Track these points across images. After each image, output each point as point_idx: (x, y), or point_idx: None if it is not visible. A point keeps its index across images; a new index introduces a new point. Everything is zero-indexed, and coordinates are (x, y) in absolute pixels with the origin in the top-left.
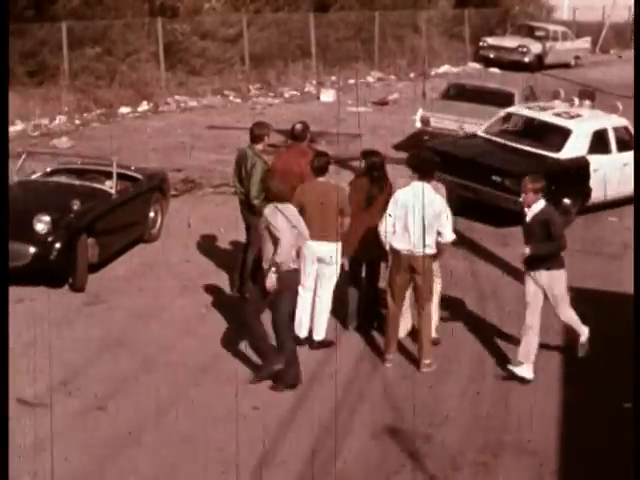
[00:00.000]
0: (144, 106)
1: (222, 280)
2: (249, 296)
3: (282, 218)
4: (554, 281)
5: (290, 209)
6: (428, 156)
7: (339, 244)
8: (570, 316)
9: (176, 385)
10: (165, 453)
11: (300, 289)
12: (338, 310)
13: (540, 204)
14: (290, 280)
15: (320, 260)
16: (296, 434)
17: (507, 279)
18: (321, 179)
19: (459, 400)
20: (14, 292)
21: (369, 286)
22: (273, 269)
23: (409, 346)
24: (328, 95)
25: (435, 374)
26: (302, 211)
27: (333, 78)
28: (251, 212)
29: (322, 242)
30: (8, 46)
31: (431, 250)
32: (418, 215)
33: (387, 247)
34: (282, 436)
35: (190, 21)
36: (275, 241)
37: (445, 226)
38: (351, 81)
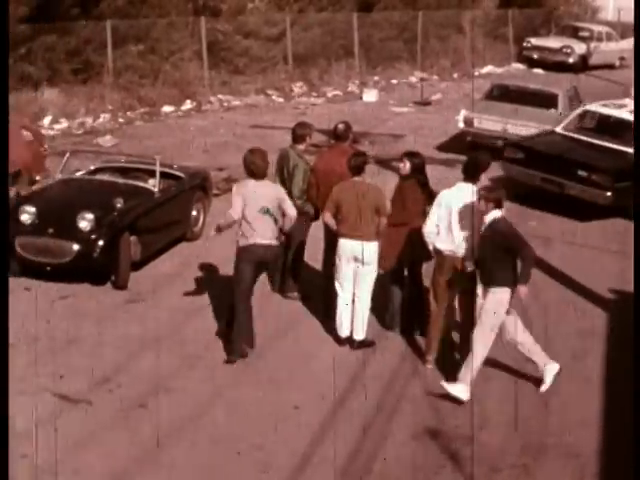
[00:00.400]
0: (187, 105)
1: (262, 279)
2: (290, 294)
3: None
4: (489, 295)
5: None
6: (474, 158)
7: (375, 243)
8: (481, 342)
9: (216, 384)
10: (205, 452)
11: (338, 289)
12: (380, 311)
13: (492, 215)
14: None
15: (356, 259)
16: (336, 434)
17: (549, 281)
18: (357, 178)
19: (500, 402)
20: (57, 289)
21: (412, 287)
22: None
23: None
24: (371, 95)
25: (477, 375)
26: (338, 209)
27: (376, 78)
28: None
29: (357, 241)
30: (8, 46)
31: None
32: (462, 216)
33: (430, 248)
34: (322, 436)
35: (233, 20)
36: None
37: None
38: (394, 81)
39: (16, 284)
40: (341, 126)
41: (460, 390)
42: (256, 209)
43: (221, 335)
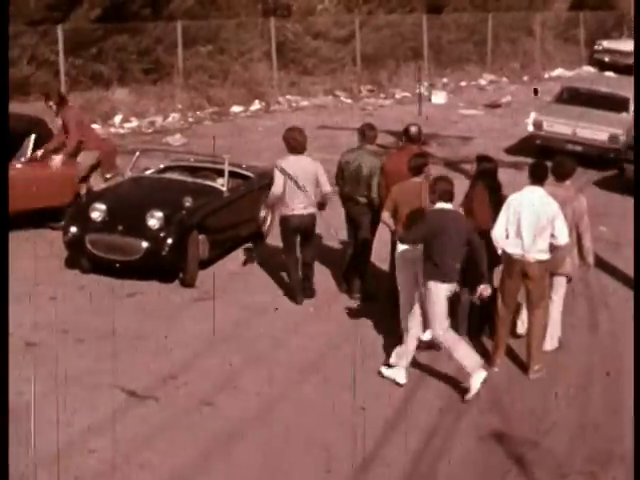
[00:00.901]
0: (256, 105)
1: (330, 279)
2: (357, 295)
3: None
4: (429, 292)
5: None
6: (541, 162)
7: None
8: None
9: (283, 382)
10: (270, 450)
11: (401, 289)
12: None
13: (438, 206)
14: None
15: (415, 260)
16: (402, 434)
17: (617, 285)
18: (416, 179)
19: (567, 407)
20: (126, 286)
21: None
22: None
23: (518, 350)
24: (439, 97)
25: (544, 380)
26: (396, 210)
27: (445, 80)
28: (360, 211)
29: None
30: (8, 46)
31: (544, 255)
32: (531, 220)
33: (499, 252)
34: (388, 436)
35: (303, 21)
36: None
37: (559, 231)
38: (463, 83)
39: (86, 280)
40: (414, 128)
41: (397, 373)
42: (296, 181)
43: (289, 332)
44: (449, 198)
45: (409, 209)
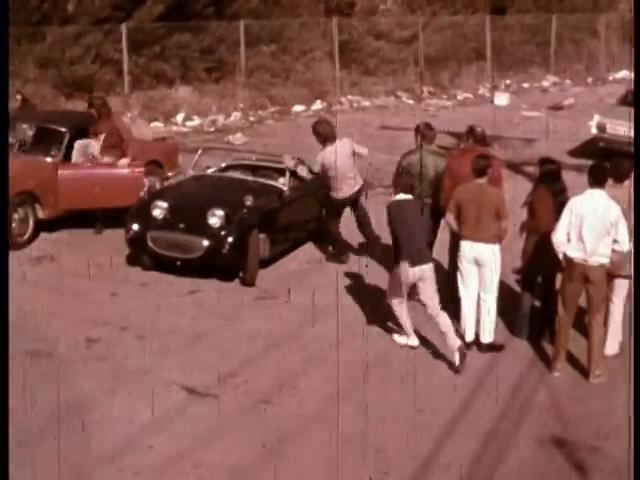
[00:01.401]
0: (317, 105)
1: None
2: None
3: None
4: (399, 271)
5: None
6: (601, 164)
7: (496, 246)
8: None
9: (343, 383)
10: (328, 450)
11: (462, 291)
12: (510, 315)
13: (399, 197)
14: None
15: (477, 262)
16: (460, 438)
17: None
18: (480, 180)
19: (628, 413)
20: (186, 283)
21: (544, 294)
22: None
23: (579, 355)
24: (502, 99)
25: (605, 385)
26: (460, 211)
27: (507, 81)
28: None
29: (477, 243)
30: (8, 46)
31: (605, 259)
32: (593, 223)
33: (560, 256)
34: (446, 439)
35: (365, 21)
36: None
37: (622, 235)
38: (525, 85)
39: (147, 277)
40: (479, 129)
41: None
42: (341, 167)
43: (349, 332)
44: (409, 190)
45: (474, 211)
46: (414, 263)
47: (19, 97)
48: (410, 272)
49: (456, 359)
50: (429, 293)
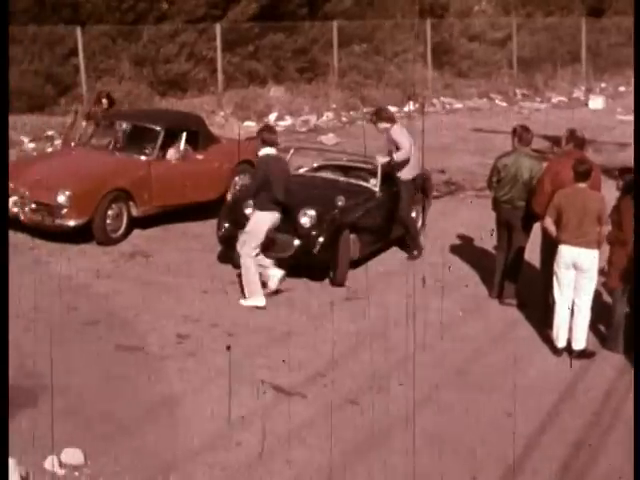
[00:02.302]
0: (410, 106)
1: (480, 283)
2: (508, 301)
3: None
4: (255, 218)
5: None
6: None
7: (595, 251)
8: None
9: (429, 385)
10: (414, 452)
11: (557, 296)
12: (602, 323)
13: (264, 151)
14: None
15: (576, 266)
16: (548, 444)
17: None
18: (581, 185)
19: None
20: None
21: (636, 304)
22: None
23: None
24: (597, 102)
25: None
26: (559, 215)
27: (603, 85)
28: (517, 215)
29: (578, 248)
30: (8, 46)
31: None
32: None
33: None
34: (533, 444)
35: (459, 23)
36: None
37: None
38: (621, 88)
39: (237, 275)
40: (580, 133)
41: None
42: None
43: (437, 335)
44: (272, 144)
45: (575, 216)
46: (270, 209)
47: (105, 101)
48: (267, 218)
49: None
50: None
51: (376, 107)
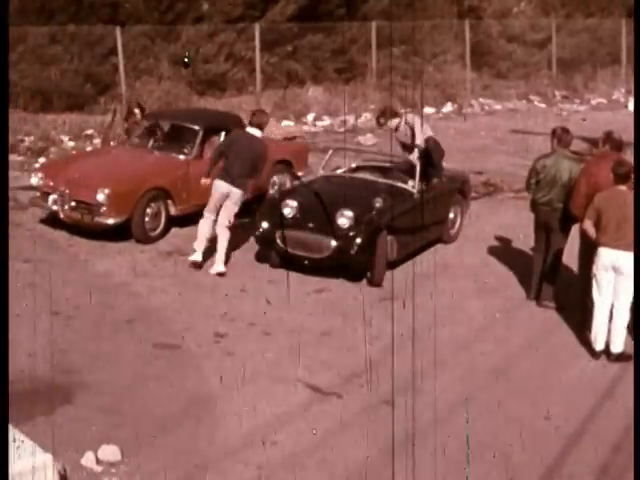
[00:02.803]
0: (448, 107)
1: (518, 285)
2: (546, 303)
3: None
4: (231, 195)
5: None
6: None
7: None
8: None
9: (466, 387)
10: (450, 454)
11: (596, 299)
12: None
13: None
14: None
15: (615, 269)
16: (586, 447)
17: None
18: (621, 187)
19: None
20: (314, 282)
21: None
22: None
23: None
24: None
25: None
26: (599, 218)
27: None
28: (556, 217)
29: (617, 250)
30: (8, 46)
31: None
32: None
33: None
34: (571, 448)
35: (498, 24)
36: None
37: None
38: None
39: (275, 275)
40: (617, 135)
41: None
42: None
43: (474, 337)
44: (258, 126)
45: (614, 218)
46: (239, 186)
47: (137, 111)
48: (238, 194)
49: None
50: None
51: (380, 109)
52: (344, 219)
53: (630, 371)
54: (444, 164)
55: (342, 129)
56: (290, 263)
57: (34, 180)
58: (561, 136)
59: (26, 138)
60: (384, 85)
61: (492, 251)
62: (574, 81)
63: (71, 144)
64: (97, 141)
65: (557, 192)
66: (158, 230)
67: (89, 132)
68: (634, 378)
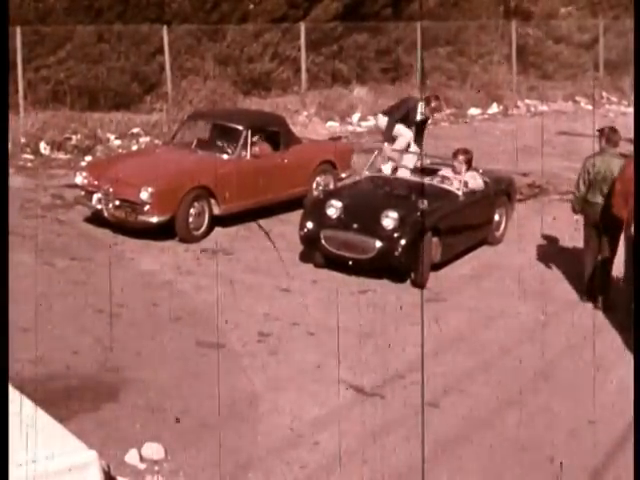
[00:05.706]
0: (494, 108)
1: (563, 287)
2: (599, 305)
3: None
4: None
5: None
6: None
7: None
8: None
9: (511, 389)
10: (494, 457)
11: None
12: None
13: None
14: None
15: None
16: (630, 452)
17: None
18: None
19: None
20: (358, 282)
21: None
22: None
23: None
24: None
25: None
26: None
27: None
28: (604, 215)
29: None
30: (8, 46)
31: None
32: None
33: None
34: (617, 453)
35: (545, 25)
36: None
37: None
38: None
39: (319, 275)
40: None
41: None
42: None
43: (519, 339)
44: None
45: None
46: None
47: None
48: None
49: None
50: None
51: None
52: (389, 220)
53: None
54: (488, 166)
55: None
56: (334, 263)
57: (79, 179)
58: (609, 135)
59: (73, 136)
60: (429, 85)
61: (538, 253)
62: (621, 82)
63: (117, 142)
64: (143, 140)
65: (607, 191)
66: (202, 229)
67: (135, 131)
68: (634, 378)
